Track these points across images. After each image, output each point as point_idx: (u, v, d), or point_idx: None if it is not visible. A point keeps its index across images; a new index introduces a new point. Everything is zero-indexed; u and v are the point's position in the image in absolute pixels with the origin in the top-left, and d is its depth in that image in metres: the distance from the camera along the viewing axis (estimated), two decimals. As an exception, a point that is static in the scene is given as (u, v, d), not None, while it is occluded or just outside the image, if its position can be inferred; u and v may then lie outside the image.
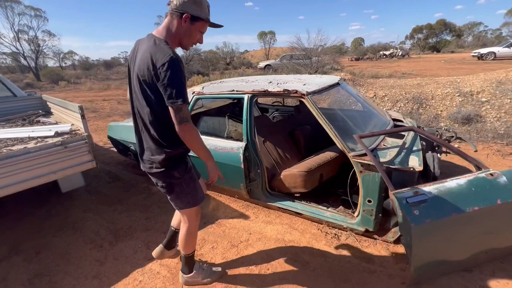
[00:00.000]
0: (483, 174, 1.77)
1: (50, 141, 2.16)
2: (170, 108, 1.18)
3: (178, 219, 1.77)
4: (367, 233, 2.10)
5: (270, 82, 2.50)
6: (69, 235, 2.34)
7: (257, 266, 1.89)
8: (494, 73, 6.01)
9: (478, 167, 1.89)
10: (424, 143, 2.25)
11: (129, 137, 3.27)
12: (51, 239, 2.30)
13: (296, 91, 2.15)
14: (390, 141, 2.09)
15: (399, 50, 27.55)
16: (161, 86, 1.17)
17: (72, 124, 2.54)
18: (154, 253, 1.83)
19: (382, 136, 2.13)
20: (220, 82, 3.02)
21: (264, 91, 2.30)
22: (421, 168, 1.81)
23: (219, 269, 1.83)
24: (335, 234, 2.15)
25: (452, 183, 1.71)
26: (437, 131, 2.63)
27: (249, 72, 19.41)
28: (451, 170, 2.97)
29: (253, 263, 1.91)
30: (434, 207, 1.60)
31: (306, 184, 2.25)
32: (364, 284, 1.70)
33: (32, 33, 23.06)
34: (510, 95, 4.58)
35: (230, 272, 1.85)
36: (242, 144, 2.34)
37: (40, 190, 2.90)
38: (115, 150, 3.76)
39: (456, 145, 3.63)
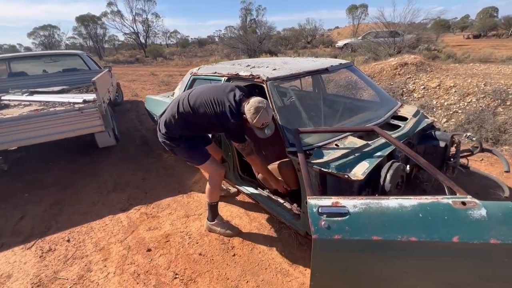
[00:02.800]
0: (449, 200, 1.34)
1: (77, 106, 2.82)
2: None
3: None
4: (310, 237, 1.93)
5: (248, 65, 2.42)
6: (90, 180, 3.06)
7: (190, 237, 2.06)
8: None
9: (452, 191, 1.43)
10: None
11: (154, 110, 3.81)
12: (78, 180, 3.06)
13: (259, 76, 2.04)
14: (349, 140, 1.77)
15: (550, 23, 19.77)
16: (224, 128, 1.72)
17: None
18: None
19: (344, 133, 1.82)
20: (213, 64, 3.09)
21: (236, 74, 2.27)
22: (361, 177, 1.51)
23: (237, 227, 2.10)
24: (280, 229, 2.07)
25: (393, 201, 1.38)
26: (453, 137, 2.01)
27: (326, 51, 18.11)
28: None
29: (188, 236, 2.09)
30: (353, 224, 1.35)
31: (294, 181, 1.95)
32: (268, 283, 1.64)
33: (144, 15, 27.79)
34: None
35: (166, 237, 2.09)
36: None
37: (89, 144, 3.82)
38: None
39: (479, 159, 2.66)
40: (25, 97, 3.58)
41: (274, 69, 2.15)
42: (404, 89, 4.55)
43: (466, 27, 35.38)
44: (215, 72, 2.52)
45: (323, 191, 1.67)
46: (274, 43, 18.51)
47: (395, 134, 1.85)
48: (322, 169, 1.58)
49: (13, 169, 3.31)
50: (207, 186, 1.98)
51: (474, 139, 1.96)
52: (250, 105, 1.61)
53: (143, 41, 28.64)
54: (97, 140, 3.31)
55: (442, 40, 15.61)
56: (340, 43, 16.74)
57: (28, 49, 31.97)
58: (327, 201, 1.42)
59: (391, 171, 1.55)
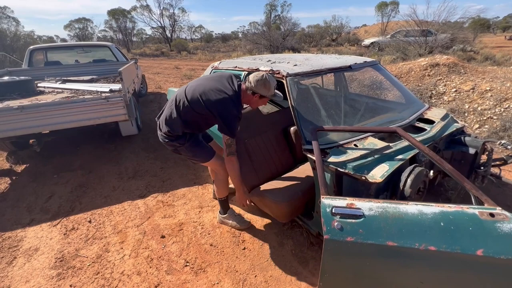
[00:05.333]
0: (475, 211, 1.25)
1: (103, 95, 2.96)
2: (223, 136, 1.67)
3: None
4: (322, 237, 1.89)
5: (269, 60, 2.40)
6: (112, 166, 3.21)
7: (203, 228, 2.10)
8: None
9: (480, 201, 1.34)
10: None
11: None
12: (102, 165, 3.22)
13: (279, 72, 2.02)
14: (369, 141, 1.70)
15: None
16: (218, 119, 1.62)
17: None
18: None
19: (365, 133, 1.76)
20: (234, 59, 3.09)
21: (256, 69, 2.26)
22: (379, 180, 1.45)
23: (248, 221, 2.10)
24: (291, 227, 2.05)
25: (412, 207, 1.31)
26: (485, 144, 1.87)
27: (351, 50, 17.53)
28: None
29: (201, 226, 2.13)
30: (367, 227, 1.31)
31: (282, 216, 1.81)
32: (277, 280, 1.63)
33: (171, 10, 28.50)
34: None
35: (180, 225, 2.14)
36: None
37: (113, 132, 4.00)
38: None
39: None
40: (58, 85, 3.81)
41: (295, 65, 2.11)
42: (434, 91, 4.30)
43: (509, 27, 32.59)
44: (236, 66, 2.52)
45: (338, 192, 1.63)
46: (298, 40, 18.19)
47: (419, 137, 1.76)
48: (339, 169, 1.54)
49: (45, 152, 3.55)
50: (215, 182, 1.98)
51: (509, 147, 1.81)
52: (256, 83, 1.61)
53: (169, 35, 29.39)
54: (120, 128, 3.47)
55: (480, 40, 14.55)
56: (367, 42, 16.10)
57: (63, 40, 33.97)
58: (341, 202, 1.38)
59: (412, 176, 1.47)
